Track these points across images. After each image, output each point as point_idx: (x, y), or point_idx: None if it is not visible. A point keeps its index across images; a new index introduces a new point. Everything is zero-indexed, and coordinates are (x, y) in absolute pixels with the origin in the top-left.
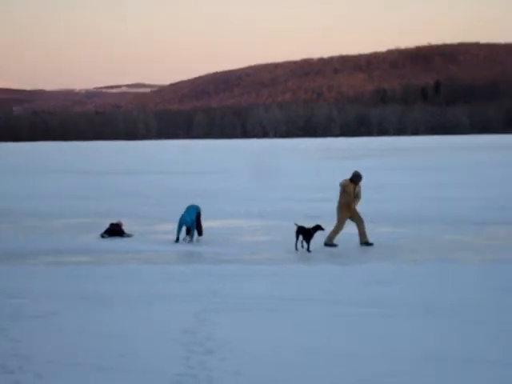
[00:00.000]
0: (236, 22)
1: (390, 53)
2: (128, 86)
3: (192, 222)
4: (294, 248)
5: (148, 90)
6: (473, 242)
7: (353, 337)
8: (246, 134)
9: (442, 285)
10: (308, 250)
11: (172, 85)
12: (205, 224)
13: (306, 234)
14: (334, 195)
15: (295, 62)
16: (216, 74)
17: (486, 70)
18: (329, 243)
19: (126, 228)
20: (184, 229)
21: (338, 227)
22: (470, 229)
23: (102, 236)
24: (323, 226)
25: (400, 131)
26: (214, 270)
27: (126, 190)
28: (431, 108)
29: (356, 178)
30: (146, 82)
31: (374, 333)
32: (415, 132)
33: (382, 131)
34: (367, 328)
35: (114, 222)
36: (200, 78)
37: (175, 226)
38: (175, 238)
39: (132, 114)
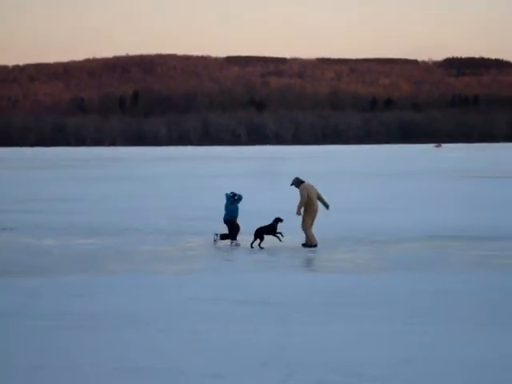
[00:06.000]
0: None
1: (87, 62)
2: None
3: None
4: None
5: None
6: (170, 252)
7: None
8: None
9: (139, 296)
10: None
11: None
12: None
13: (270, 230)
14: (34, 206)
15: None
16: None
17: (183, 81)
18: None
19: None
20: None
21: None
22: (165, 239)
23: None
24: (282, 218)
25: (98, 141)
26: None
27: None
28: (129, 119)
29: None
30: None
31: (69, 347)
32: (113, 142)
33: (80, 141)
34: (72, 343)
35: None
36: None
37: None
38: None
39: None
